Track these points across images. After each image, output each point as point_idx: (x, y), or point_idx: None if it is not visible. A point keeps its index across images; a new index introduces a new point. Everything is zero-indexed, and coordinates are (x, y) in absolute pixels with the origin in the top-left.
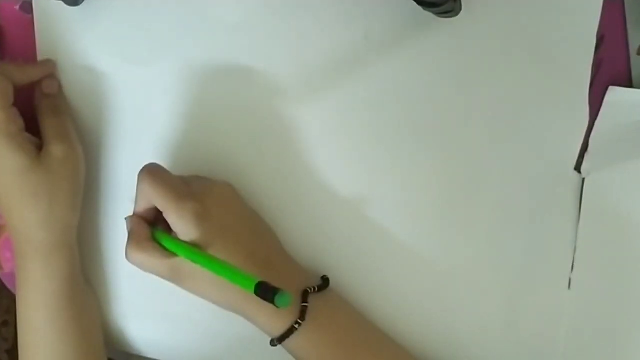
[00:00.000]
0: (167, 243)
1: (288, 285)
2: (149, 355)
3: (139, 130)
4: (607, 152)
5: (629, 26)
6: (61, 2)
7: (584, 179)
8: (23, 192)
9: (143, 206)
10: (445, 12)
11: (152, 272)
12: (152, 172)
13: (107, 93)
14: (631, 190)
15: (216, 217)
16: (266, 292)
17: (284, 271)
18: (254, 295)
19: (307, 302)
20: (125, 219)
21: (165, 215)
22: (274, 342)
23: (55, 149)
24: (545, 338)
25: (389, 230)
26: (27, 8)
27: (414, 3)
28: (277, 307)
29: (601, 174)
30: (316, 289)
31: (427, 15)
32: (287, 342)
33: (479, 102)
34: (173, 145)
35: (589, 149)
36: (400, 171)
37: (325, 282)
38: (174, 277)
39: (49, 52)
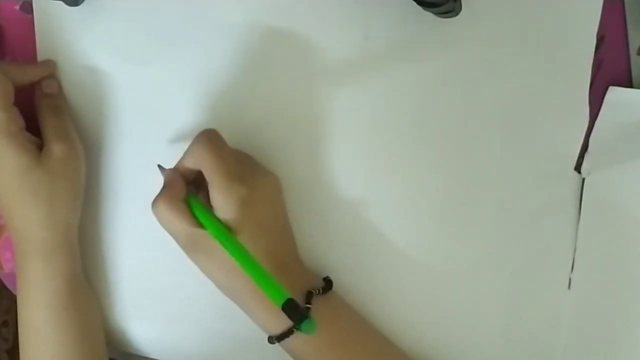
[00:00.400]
0: (201, 215)
1: (294, 286)
2: (150, 355)
3: (138, 130)
4: (607, 152)
5: (629, 26)
6: (61, 2)
7: (584, 179)
8: (24, 191)
9: (188, 166)
10: (445, 12)
11: (170, 233)
12: (212, 141)
13: (107, 93)
14: (631, 190)
15: (257, 207)
16: (294, 311)
17: (293, 272)
18: (259, 288)
19: (310, 304)
20: (161, 167)
21: (210, 187)
22: (272, 340)
23: (56, 149)
24: (545, 338)
25: (389, 231)
26: (27, 8)
27: (414, 3)
28: (299, 330)
29: (601, 174)
30: (320, 291)
31: (427, 15)
32: (286, 341)
33: (478, 102)
34: (173, 144)
35: (589, 149)
36: (400, 171)
37: (328, 284)
38: (189, 246)
39: (49, 52)
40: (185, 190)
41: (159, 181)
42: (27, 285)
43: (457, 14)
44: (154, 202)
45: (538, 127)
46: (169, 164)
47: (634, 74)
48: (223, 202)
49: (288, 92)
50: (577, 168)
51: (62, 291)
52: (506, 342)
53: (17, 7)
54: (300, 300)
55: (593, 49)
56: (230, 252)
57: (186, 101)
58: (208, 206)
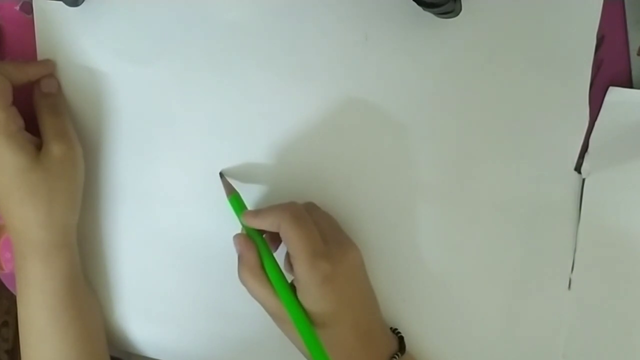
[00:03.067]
0: (282, 296)
1: (379, 353)
2: (150, 355)
3: (138, 130)
4: (607, 152)
5: (629, 26)
6: (61, 3)
7: (584, 179)
8: (22, 191)
9: (266, 227)
10: (446, 13)
11: (258, 301)
12: (297, 218)
13: (107, 93)
14: (631, 190)
15: (340, 283)
16: None
17: (378, 340)
18: None
19: None
20: (222, 176)
21: (293, 261)
22: None
23: (55, 148)
24: (545, 338)
25: (387, 232)
26: (27, 8)
27: (414, 3)
28: None
29: (601, 174)
30: (399, 355)
31: (427, 15)
32: None
33: (479, 103)
34: (172, 144)
35: (589, 149)
36: (399, 171)
37: (402, 345)
38: (274, 315)
39: (49, 52)
40: (258, 259)
41: (158, 181)
42: (27, 285)
43: (457, 14)
44: (238, 272)
45: (538, 127)
46: (169, 164)
47: (634, 74)
48: (308, 277)
49: (289, 91)
50: (577, 168)
51: (61, 291)
52: (506, 342)
53: (17, 7)
54: None
55: (593, 49)
56: (302, 336)
57: (186, 101)
58: (285, 270)
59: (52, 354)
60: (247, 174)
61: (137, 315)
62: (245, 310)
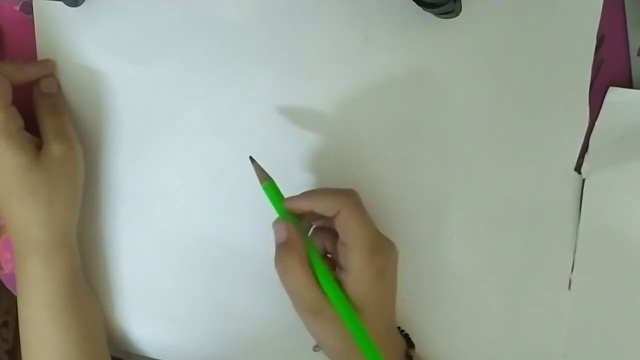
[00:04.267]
0: (327, 287)
1: (397, 349)
2: (150, 355)
3: (138, 130)
4: (607, 153)
5: (629, 26)
6: (61, 3)
7: (584, 180)
8: (22, 191)
9: (319, 210)
10: (446, 13)
11: (290, 293)
12: (359, 206)
13: (107, 93)
14: (631, 191)
15: (388, 277)
16: None
17: (396, 336)
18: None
19: None
20: (253, 160)
21: (348, 250)
22: None
23: (55, 148)
24: (545, 338)
25: (387, 230)
26: (27, 8)
27: (414, 3)
28: None
29: (601, 175)
30: (413, 351)
31: (427, 15)
32: None
33: (479, 103)
34: (172, 144)
35: (589, 149)
36: (399, 171)
37: (409, 342)
38: (308, 310)
39: (49, 52)
40: (305, 250)
41: (158, 181)
42: (27, 285)
43: (457, 14)
44: (281, 260)
45: (538, 127)
46: (169, 164)
47: (634, 74)
48: (364, 269)
49: (289, 91)
50: (577, 168)
51: (62, 291)
52: (506, 342)
53: (17, 7)
54: None
55: (593, 49)
56: (351, 330)
57: (186, 101)
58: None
59: (53, 353)
60: (243, 172)
61: (137, 315)
62: (245, 310)
